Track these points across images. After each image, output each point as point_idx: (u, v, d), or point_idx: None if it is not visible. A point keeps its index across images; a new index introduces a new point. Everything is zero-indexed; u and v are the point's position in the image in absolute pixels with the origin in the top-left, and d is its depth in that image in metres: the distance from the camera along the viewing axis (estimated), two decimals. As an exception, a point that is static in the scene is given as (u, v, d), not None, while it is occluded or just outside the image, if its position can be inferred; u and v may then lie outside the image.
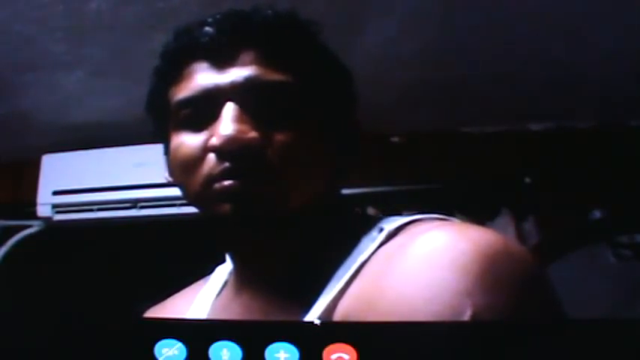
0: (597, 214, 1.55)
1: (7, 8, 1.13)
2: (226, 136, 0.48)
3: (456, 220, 0.53)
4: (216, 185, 0.49)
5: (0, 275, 1.57)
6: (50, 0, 1.11)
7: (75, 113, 1.50)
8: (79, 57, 1.29)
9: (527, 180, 1.59)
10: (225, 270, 0.63)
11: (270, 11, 0.53)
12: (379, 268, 0.44)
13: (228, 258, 0.61)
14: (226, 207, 0.49)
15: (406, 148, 1.61)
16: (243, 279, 0.57)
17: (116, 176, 1.53)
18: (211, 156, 0.49)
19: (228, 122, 0.48)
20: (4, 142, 1.58)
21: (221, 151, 0.48)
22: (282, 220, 0.51)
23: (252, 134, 0.48)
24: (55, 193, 1.55)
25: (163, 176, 0.59)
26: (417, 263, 0.41)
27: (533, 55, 1.35)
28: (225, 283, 0.62)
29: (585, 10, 1.19)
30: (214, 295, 0.61)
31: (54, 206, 1.55)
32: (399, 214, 0.53)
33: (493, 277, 0.38)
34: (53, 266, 1.59)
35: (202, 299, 0.62)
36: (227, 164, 0.48)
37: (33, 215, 1.57)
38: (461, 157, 1.65)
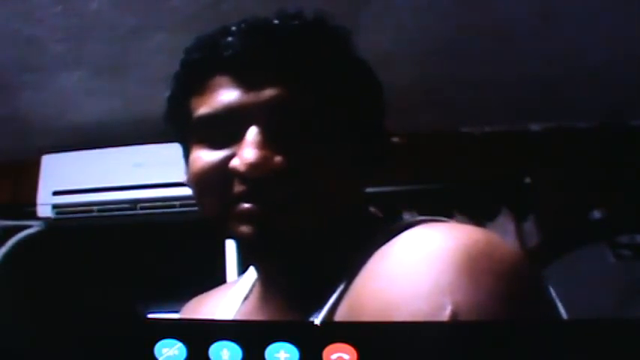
0: (597, 214, 1.55)
1: (7, 8, 1.13)
2: (250, 162, 0.45)
3: (456, 222, 0.51)
4: (237, 207, 0.47)
5: (0, 275, 1.57)
6: (50, 0, 1.12)
7: (75, 113, 1.50)
8: (79, 57, 1.29)
9: (527, 180, 1.59)
10: (253, 273, 0.62)
11: (296, 22, 0.50)
12: (368, 272, 0.43)
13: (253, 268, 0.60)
14: (248, 229, 0.47)
15: (406, 148, 1.61)
16: (268, 289, 0.56)
17: (116, 176, 1.53)
18: (231, 176, 0.47)
19: (251, 147, 0.46)
20: (4, 142, 1.58)
21: (243, 177, 0.46)
22: (307, 242, 0.49)
23: (277, 159, 0.46)
24: (55, 193, 1.55)
25: (183, 179, 0.56)
26: (397, 262, 0.40)
27: (534, 55, 1.35)
28: (254, 286, 0.60)
29: (585, 11, 1.20)
30: (242, 298, 0.60)
31: (54, 206, 1.55)
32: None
33: (475, 274, 0.37)
34: (53, 266, 1.59)
35: (230, 301, 0.61)
36: (248, 187, 0.47)
37: (33, 215, 1.57)
38: (461, 157, 1.65)
